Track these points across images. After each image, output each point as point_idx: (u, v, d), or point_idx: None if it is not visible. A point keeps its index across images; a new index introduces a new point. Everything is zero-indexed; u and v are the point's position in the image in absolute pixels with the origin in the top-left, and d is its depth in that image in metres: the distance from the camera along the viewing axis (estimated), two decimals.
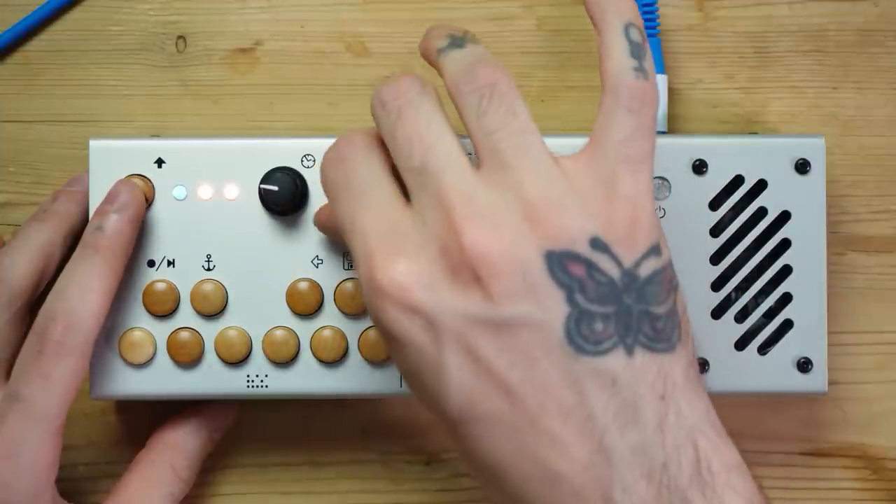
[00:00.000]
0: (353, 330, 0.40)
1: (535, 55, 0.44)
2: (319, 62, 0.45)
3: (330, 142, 0.39)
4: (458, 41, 0.33)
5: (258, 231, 0.39)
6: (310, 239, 0.39)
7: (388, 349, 0.31)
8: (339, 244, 0.39)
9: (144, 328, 0.39)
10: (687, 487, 0.29)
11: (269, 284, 0.39)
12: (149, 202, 0.39)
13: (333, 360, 0.39)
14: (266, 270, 0.39)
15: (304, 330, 0.40)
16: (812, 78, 0.44)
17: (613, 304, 0.29)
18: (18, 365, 0.37)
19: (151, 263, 0.39)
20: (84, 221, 0.39)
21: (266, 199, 0.39)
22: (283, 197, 0.39)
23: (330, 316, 0.40)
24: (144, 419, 0.43)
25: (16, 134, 0.44)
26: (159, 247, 0.39)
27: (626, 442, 0.29)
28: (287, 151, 0.39)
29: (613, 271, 0.30)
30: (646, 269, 0.30)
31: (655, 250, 0.30)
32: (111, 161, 0.39)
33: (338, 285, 0.39)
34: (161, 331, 0.40)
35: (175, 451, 0.41)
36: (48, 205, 0.41)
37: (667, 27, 0.44)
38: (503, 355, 0.29)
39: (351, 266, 0.39)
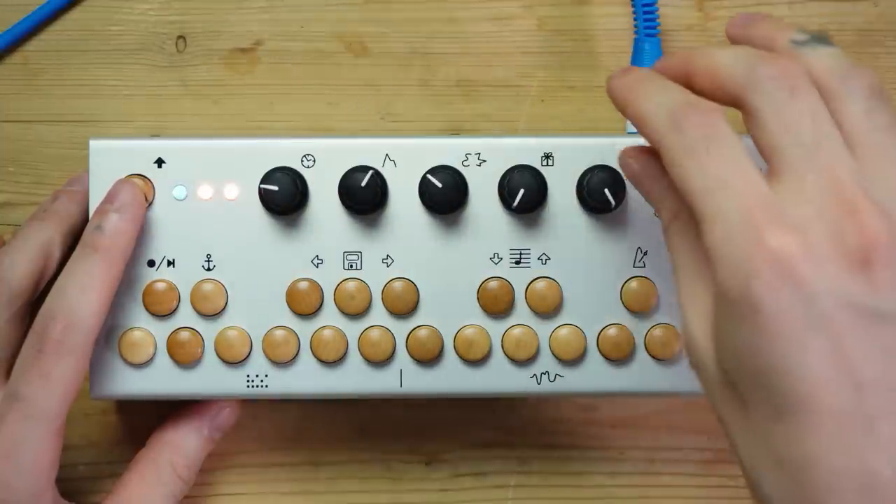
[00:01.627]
0: (353, 330, 0.40)
1: (535, 55, 0.44)
2: (319, 62, 0.45)
3: (330, 142, 0.40)
4: (822, 38, 0.33)
5: (258, 231, 0.39)
6: (310, 239, 0.39)
7: (727, 313, 0.30)
8: (647, 192, 0.36)
9: (144, 328, 0.39)
10: None
11: (269, 284, 0.39)
12: (149, 202, 0.39)
13: (333, 360, 0.39)
14: (266, 270, 0.40)
15: (304, 330, 0.40)
16: None
17: None
18: (18, 364, 0.37)
19: (151, 263, 0.39)
20: (84, 221, 0.39)
21: (266, 199, 0.39)
22: (283, 197, 0.39)
23: (330, 316, 0.40)
24: (144, 419, 0.43)
25: (15, 134, 0.44)
26: (159, 247, 0.39)
27: None
28: (287, 151, 0.39)
29: None
30: None
31: None
32: (111, 161, 0.39)
33: (338, 285, 0.39)
34: (161, 331, 0.40)
35: (175, 450, 0.41)
36: (48, 204, 0.41)
37: (667, 27, 0.44)
38: (866, 347, 0.28)
39: (351, 266, 0.39)
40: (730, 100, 0.32)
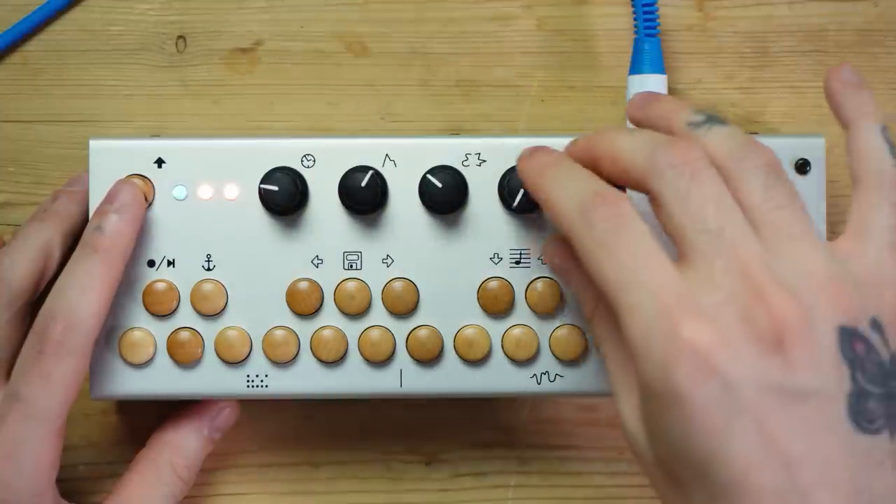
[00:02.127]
0: (353, 330, 0.40)
1: (535, 55, 0.44)
2: (319, 62, 0.45)
3: (330, 142, 0.39)
4: (715, 118, 0.34)
5: (258, 231, 0.39)
6: (310, 239, 0.39)
7: (657, 408, 0.30)
8: (569, 285, 0.37)
9: (144, 328, 0.39)
10: None
11: (269, 284, 0.39)
12: (149, 202, 0.39)
13: (333, 360, 0.39)
14: (266, 270, 0.39)
15: (304, 330, 0.40)
16: (812, 78, 0.44)
17: (883, 387, 0.30)
18: (19, 365, 0.37)
19: (151, 263, 0.39)
20: (84, 221, 0.39)
21: (266, 199, 0.39)
22: (283, 197, 0.39)
23: (330, 316, 0.40)
24: (144, 419, 0.43)
25: (15, 134, 0.44)
26: (159, 247, 0.39)
27: None
28: (287, 151, 0.39)
29: (884, 354, 0.30)
30: None
31: None
32: (111, 161, 0.39)
33: (338, 285, 0.39)
34: (161, 331, 0.40)
35: (175, 450, 0.41)
36: (48, 205, 0.41)
37: (667, 27, 0.44)
38: (790, 426, 0.29)
39: (351, 266, 0.39)
40: (634, 185, 0.33)
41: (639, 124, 0.36)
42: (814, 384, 0.29)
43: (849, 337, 0.30)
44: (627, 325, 0.31)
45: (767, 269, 0.30)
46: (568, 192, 0.33)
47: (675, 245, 0.32)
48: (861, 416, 0.30)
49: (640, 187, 0.33)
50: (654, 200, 0.32)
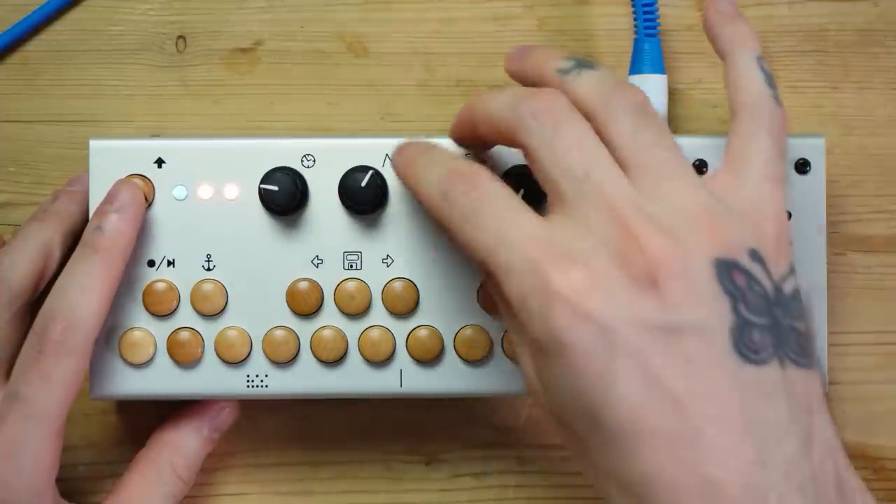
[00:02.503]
0: (353, 330, 0.40)
1: None
2: (319, 62, 0.45)
3: (330, 142, 0.39)
4: (585, 63, 0.34)
5: (258, 231, 0.39)
6: (310, 239, 0.39)
7: (544, 362, 0.30)
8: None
9: (144, 328, 0.39)
10: (833, 502, 0.29)
11: (269, 284, 0.39)
12: (149, 202, 0.39)
13: (333, 360, 0.39)
14: (266, 270, 0.40)
15: (304, 330, 0.40)
16: (812, 78, 0.44)
17: (768, 317, 0.30)
18: (18, 365, 0.37)
19: (151, 263, 0.39)
20: (84, 221, 0.39)
21: (266, 199, 0.39)
22: (283, 197, 0.39)
23: (330, 316, 0.40)
24: (144, 419, 0.43)
25: (15, 134, 0.44)
26: (159, 247, 0.39)
27: (782, 453, 0.29)
28: (287, 151, 0.39)
29: (767, 284, 0.30)
30: (789, 286, 0.31)
31: (793, 269, 0.32)
32: (111, 161, 0.39)
33: (338, 285, 0.39)
34: (161, 331, 0.40)
35: (175, 450, 0.41)
36: (48, 204, 0.41)
37: (667, 27, 0.44)
38: (672, 363, 0.29)
39: (352, 266, 0.39)
40: (507, 142, 0.33)
41: (516, 78, 0.36)
42: (692, 319, 0.29)
43: (727, 269, 0.30)
44: (504, 287, 0.31)
45: (637, 208, 0.30)
46: (429, 178, 0.33)
47: (548, 196, 0.32)
48: (746, 347, 0.29)
49: (512, 144, 0.33)
50: (524, 152, 0.32)
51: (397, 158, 0.36)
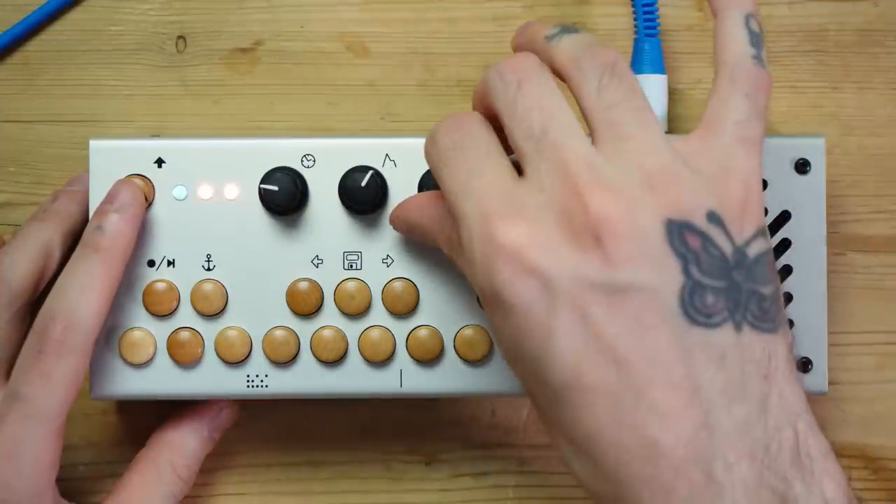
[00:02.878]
0: (353, 330, 0.40)
1: None
2: (319, 62, 0.45)
3: (330, 142, 0.40)
4: (569, 28, 0.34)
5: (258, 231, 0.39)
6: (310, 239, 0.39)
7: (491, 314, 0.31)
8: (419, 240, 0.38)
9: (144, 328, 0.39)
10: (787, 469, 0.28)
11: (269, 284, 0.39)
12: (149, 202, 0.39)
13: (333, 360, 0.39)
14: (266, 270, 0.40)
15: (304, 330, 0.40)
16: (812, 78, 0.44)
17: (724, 280, 0.29)
18: (19, 365, 0.37)
19: (151, 263, 0.39)
20: (84, 221, 0.39)
21: (266, 199, 0.39)
22: (283, 197, 0.39)
23: (330, 316, 0.40)
24: (144, 419, 0.43)
25: (16, 134, 0.44)
26: (159, 247, 0.39)
27: (731, 418, 0.28)
28: (287, 151, 0.39)
29: (726, 247, 0.30)
30: (754, 250, 0.30)
31: (763, 232, 0.31)
32: (111, 161, 0.39)
33: (338, 285, 0.39)
34: (161, 331, 0.40)
35: (175, 450, 0.41)
36: (48, 204, 0.41)
37: (667, 27, 0.44)
38: (615, 322, 0.29)
39: (352, 266, 0.39)
40: (491, 113, 0.33)
41: (517, 51, 0.36)
42: (636, 278, 0.29)
43: (678, 230, 0.29)
44: (460, 234, 0.31)
45: (589, 168, 0.30)
46: (432, 131, 0.34)
47: (517, 158, 0.32)
48: (696, 310, 0.29)
49: (491, 112, 0.33)
50: (498, 118, 0.32)
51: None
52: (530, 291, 0.29)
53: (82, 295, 0.37)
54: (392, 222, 0.38)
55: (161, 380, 0.40)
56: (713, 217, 0.30)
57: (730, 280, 0.30)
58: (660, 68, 0.42)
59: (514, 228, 0.29)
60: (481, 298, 0.31)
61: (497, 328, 0.31)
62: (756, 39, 0.33)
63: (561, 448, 0.31)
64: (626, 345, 0.29)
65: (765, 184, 0.39)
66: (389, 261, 0.39)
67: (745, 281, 0.30)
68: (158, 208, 0.39)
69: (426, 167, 0.39)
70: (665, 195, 0.30)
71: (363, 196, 0.39)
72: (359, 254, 0.40)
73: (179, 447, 0.41)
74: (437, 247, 0.35)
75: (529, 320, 0.29)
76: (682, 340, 0.29)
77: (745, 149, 0.31)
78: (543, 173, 0.30)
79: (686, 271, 0.29)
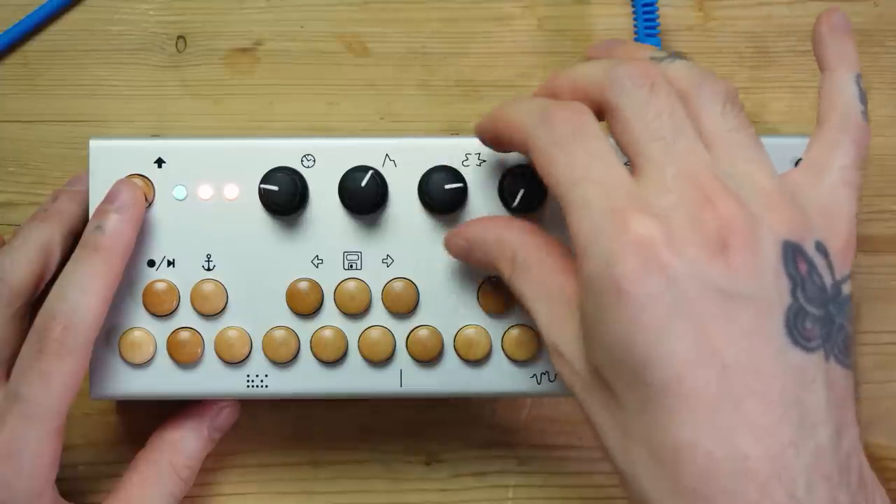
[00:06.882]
0: (353, 330, 0.40)
1: (536, 55, 0.44)
2: (319, 62, 0.45)
3: (330, 142, 0.40)
4: (679, 53, 0.35)
5: (258, 231, 0.39)
6: (310, 239, 0.39)
7: (596, 306, 0.30)
8: (481, 259, 0.37)
9: (144, 328, 0.39)
10: (856, 493, 0.29)
11: (269, 284, 0.39)
12: (149, 202, 0.39)
13: (333, 360, 0.39)
14: (266, 270, 0.40)
15: (304, 330, 0.40)
16: (812, 78, 0.44)
17: (822, 309, 0.30)
18: (18, 364, 0.37)
19: (151, 263, 0.39)
20: (84, 221, 0.39)
21: (266, 199, 0.39)
22: (283, 197, 0.39)
23: (330, 316, 0.40)
24: (144, 419, 0.43)
25: (16, 134, 0.44)
26: (159, 247, 0.39)
27: (815, 440, 0.29)
28: (287, 151, 0.39)
29: (827, 279, 0.31)
30: (846, 288, 0.32)
31: (850, 275, 0.32)
32: (111, 161, 0.39)
33: (338, 285, 0.39)
34: (161, 331, 0.40)
35: (175, 450, 0.41)
36: (48, 204, 0.41)
37: (667, 27, 0.44)
38: (725, 330, 0.29)
39: (352, 266, 0.39)
40: (592, 104, 0.33)
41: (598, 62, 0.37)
42: (754, 290, 0.29)
43: (792, 252, 0.30)
44: (576, 220, 0.31)
45: (717, 178, 0.31)
46: (529, 108, 0.33)
47: (630, 157, 0.32)
48: (798, 332, 0.30)
49: (599, 105, 0.33)
50: (611, 114, 0.32)
51: (485, 118, 0.36)
52: (655, 287, 0.29)
53: (82, 295, 0.37)
54: (447, 245, 0.38)
55: (161, 380, 0.40)
56: (821, 247, 0.31)
57: (826, 311, 0.30)
58: None
59: (647, 222, 0.30)
60: (587, 288, 0.31)
61: (600, 321, 0.30)
62: (864, 97, 0.35)
63: (630, 457, 0.30)
64: (733, 353, 0.29)
65: None
66: (389, 261, 0.39)
67: (837, 315, 0.31)
68: (158, 208, 0.39)
69: (426, 167, 0.39)
70: (783, 216, 0.31)
71: (363, 196, 0.39)
72: (359, 254, 0.40)
73: (179, 447, 0.41)
74: (495, 268, 0.36)
75: (646, 315, 0.29)
76: (784, 358, 0.29)
77: (849, 192, 0.33)
78: (670, 177, 0.31)
79: (794, 293, 0.30)
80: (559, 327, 0.33)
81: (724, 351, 0.29)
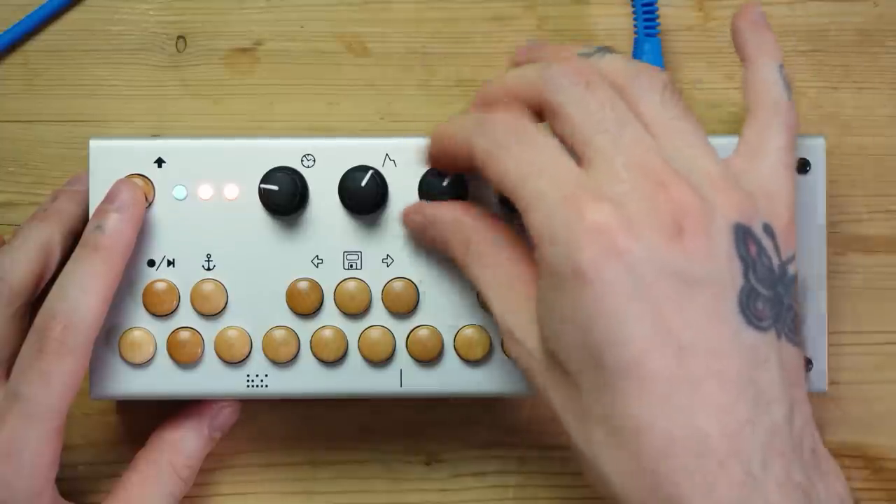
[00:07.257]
0: (353, 330, 0.40)
1: None
2: (319, 62, 0.45)
3: (330, 142, 0.40)
4: (607, 48, 0.35)
5: (258, 231, 0.39)
6: (310, 239, 0.39)
7: (555, 292, 0.31)
8: (422, 244, 0.39)
9: (144, 328, 0.39)
10: (810, 469, 0.30)
11: (269, 284, 0.39)
12: (149, 202, 0.39)
13: (333, 360, 0.39)
14: (266, 270, 0.40)
15: (304, 330, 0.40)
16: (812, 78, 0.44)
17: (771, 290, 0.31)
18: (18, 364, 0.37)
19: (151, 263, 0.39)
20: (84, 221, 0.39)
21: (266, 199, 0.39)
22: (283, 197, 0.39)
23: (330, 316, 0.40)
24: (144, 419, 0.43)
25: (16, 134, 0.44)
26: (159, 247, 0.39)
27: (770, 418, 0.29)
28: (287, 151, 0.39)
29: (774, 260, 0.32)
30: (791, 269, 0.32)
31: (794, 254, 0.33)
32: (111, 161, 0.39)
33: (338, 285, 0.39)
34: (161, 331, 0.40)
35: (175, 450, 0.41)
36: (48, 204, 0.41)
37: (667, 27, 0.44)
38: (683, 312, 0.29)
39: (352, 266, 0.39)
40: (528, 107, 0.34)
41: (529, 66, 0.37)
42: (709, 273, 0.30)
43: (743, 235, 0.31)
44: (532, 215, 0.31)
45: (667, 163, 0.31)
46: (463, 121, 0.34)
47: (576, 152, 0.32)
48: (751, 312, 0.30)
49: (535, 104, 0.33)
50: (552, 113, 0.33)
51: (432, 137, 0.36)
52: (616, 272, 0.29)
53: (82, 294, 0.37)
54: (404, 220, 0.38)
55: (161, 380, 0.40)
56: (768, 229, 0.32)
57: (775, 291, 0.31)
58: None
59: (603, 208, 0.30)
60: (546, 275, 0.31)
61: (559, 307, 0.31)
62: (788, 86, 0.36)
63: (590, 440, 0.30)
64: (690, 335, 0.29)
65: None
66: (389, 261, 0.39)
67: (786, 295, 0.31)
68: (158, 208, 0.39)
69: (426, 167, 0.39)
70: (731, 199, 0.31)
71: (363, 196, 0.39)
72: (359, 254, 0.40)
73: (179, 447, 0.41)
74: (447, 249, 0.36)
75: (606, 300, 0.29)
76: (739, 338, 0.30)
77: (787, 174, 0.34)
78: (621, 166, 0.31)
79: (745, 275, 0.30)
80: (514, 313, 0.33)
81: (681, 333, 0.29)
